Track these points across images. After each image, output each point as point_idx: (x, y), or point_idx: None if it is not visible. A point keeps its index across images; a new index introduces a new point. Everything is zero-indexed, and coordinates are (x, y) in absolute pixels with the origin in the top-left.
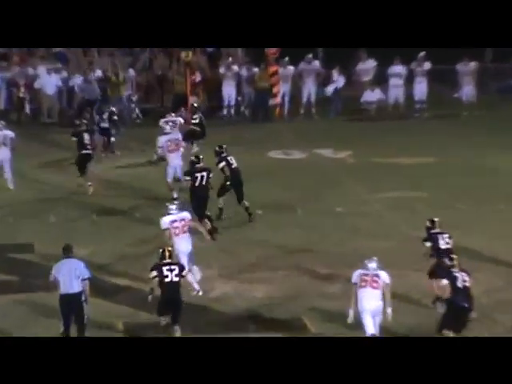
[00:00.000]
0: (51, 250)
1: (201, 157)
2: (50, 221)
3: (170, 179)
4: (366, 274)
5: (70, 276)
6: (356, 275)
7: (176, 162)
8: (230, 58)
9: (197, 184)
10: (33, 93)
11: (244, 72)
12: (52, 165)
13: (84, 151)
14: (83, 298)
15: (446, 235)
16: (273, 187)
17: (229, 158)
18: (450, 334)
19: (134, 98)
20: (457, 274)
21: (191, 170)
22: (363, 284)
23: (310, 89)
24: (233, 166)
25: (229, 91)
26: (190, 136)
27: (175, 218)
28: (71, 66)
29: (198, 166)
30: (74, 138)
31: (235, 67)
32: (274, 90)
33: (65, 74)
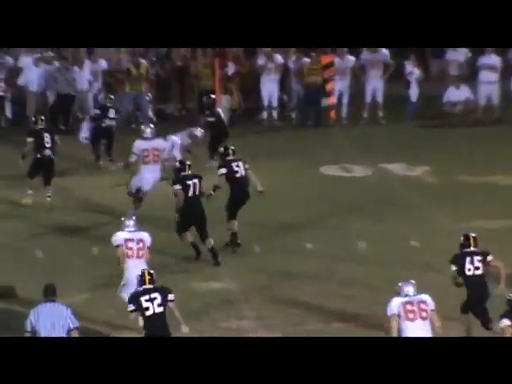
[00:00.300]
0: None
1: (188, 163)
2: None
3: (132, 191)
4: (410, 303)
5: (53, 324)
6: (396, 305)
7: (149, 176)
8: None
9: (190, 194)
10: (15, 90)
11: (291, 64)
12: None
13: (42, 155)
14: None
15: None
16: (326, 213)
17: (234, 164)
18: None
19: (148, 97)
20: None
21: (180, 178)
22: (411, 316)
23: (375, 85)
24: (238, 175)
25: (270, 88)
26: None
27: (131, 237)
28: (65, 54)
29: (185, 173)
30: (30, 139)
31: (279, 57)
32: (329, 86)
33: (57, 64)
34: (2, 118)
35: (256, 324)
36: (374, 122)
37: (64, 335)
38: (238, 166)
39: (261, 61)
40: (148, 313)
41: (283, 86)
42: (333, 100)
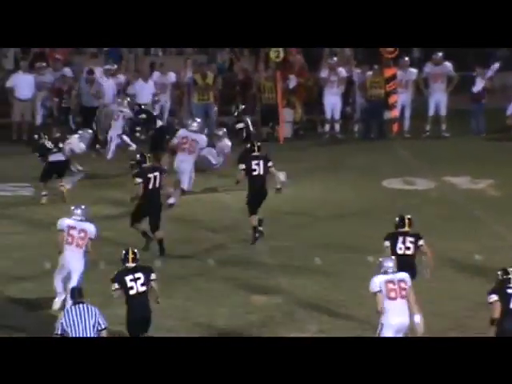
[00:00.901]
0: None
1: (148, 155)
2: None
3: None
4: (392, 281)
5: (84, 326)
6: (378, 283)
7: (184, 167)
8: (335, 58)
9: (150, 187)
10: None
11: (355, 76)
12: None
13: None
14: None
15: None
16: (389, 226)
17: (254, 162)
18: None
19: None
20: None
21: (141, 170)
22: (393, 295)
23: (438, 98)
24: (255, 173)
25: (333, 101)
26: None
27: (74, 225)
28: (126, 66)
29: (146, 165)
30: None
31: (342, 70)
32: (391, 99)
33: (122, 77)
34: (66, 129)
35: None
36: (436, 136)
37: (94, 335)
38: (257, 164)
39: (324, 74)
40: (132, 292)
41: (346, 98)
42: (395, 113)
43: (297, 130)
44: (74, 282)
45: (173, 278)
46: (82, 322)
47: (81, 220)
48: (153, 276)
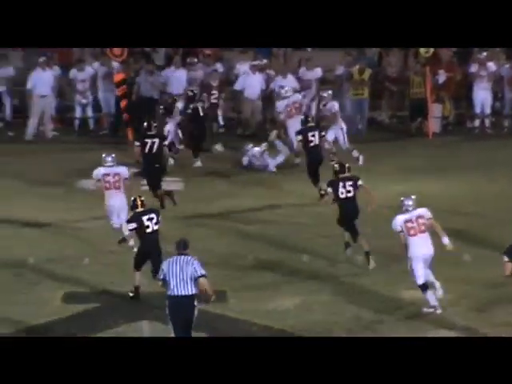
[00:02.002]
0: None
1: (154, 124)
2: None
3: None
4: (410, 220)
5: (182, 273)
6: (398, 223)
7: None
8: (484, 53)
9: (146, 151)
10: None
11: (504, 71)
12: None
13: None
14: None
15: None
16: None
17: (310, 134)
18: None
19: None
20: None
21: (142, 135)
22: (412, 232)
23: None
24: (311, 144)
25: (482, 96)
26: None
27: (108, 172)
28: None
29: (149, 132)
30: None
31: (492, 65)
32: None
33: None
34: (213, 125)
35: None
36: None
37: (192, 283)
38: (313, 135)
39: (473, 68)
40: (148, 230)
41: (496, 93)
42: None
43: (446, 125)
44: (122, 220)
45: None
46: (182, 272)
47: (112, 165)
48: (160, 217)
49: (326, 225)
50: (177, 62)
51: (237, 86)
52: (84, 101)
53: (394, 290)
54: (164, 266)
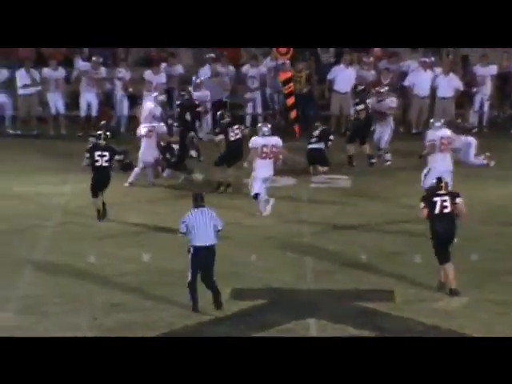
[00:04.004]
0: None
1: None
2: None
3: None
4: (266, 146)
5: (205, 225)
6: (256, 144)
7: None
8: None
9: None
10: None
11: None
12: None
13: None
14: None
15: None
16: None
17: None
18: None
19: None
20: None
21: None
22: (263, 156)
23: None
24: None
25: None
26: None
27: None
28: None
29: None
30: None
31: None
32: None
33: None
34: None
35: None
36: None
37: (214, 234)
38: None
39: None
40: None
41: None
42: None
43: None
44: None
45: None
46: (204, 223)
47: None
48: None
49: None
50: (346, 60)
51: (406, 83)
52: (252, 97)
53: None
54: (186, 218)
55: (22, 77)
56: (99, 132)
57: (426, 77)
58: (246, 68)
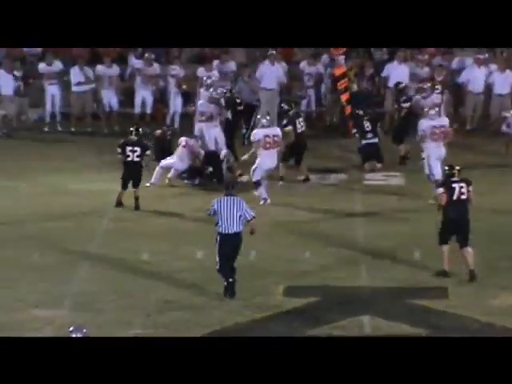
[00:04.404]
0: None
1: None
2: None
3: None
4: (268, 136)
5: (232, 213)
6: (259, 136)
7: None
8: None
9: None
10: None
11: None
12: None
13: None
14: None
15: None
16: None
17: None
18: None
19: None
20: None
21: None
22: (267, 146)
23: None
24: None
25: None
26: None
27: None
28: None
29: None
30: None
31: None
32: None
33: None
34: None
35: None
36: None
37: (240, 222)
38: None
39: None
40: (463, 197)
41: None
42: None
43: None
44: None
45: None
46: (230, 211)
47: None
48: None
49: None
50: (399, 57)
51: (460, 80)
52: (307, 94)
53: None
54: (214, 204)
55: (75, 74)
56: (131, 128)
57: (480, 73)
58: (302, 65)
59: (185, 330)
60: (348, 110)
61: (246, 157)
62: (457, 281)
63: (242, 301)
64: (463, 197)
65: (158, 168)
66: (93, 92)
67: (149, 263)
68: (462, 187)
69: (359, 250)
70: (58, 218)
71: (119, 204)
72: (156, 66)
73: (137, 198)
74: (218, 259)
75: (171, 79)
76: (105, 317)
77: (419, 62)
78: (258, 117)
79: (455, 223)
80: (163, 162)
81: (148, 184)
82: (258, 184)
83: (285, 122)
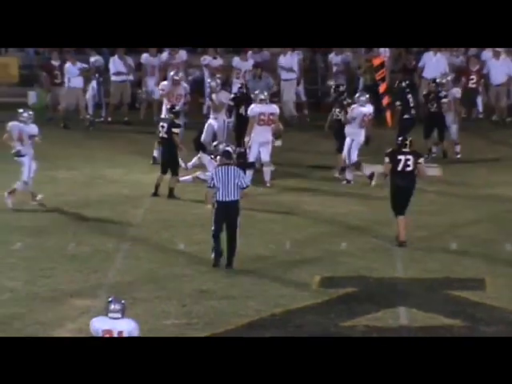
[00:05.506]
0: None
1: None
2: None
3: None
4: (263, 114)
5: (230, 183)
6: (255, 113)
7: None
8: None
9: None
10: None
11: None
12: None
13: None
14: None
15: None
16: None
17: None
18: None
19: None
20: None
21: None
22: (261, 123)
23: None
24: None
25: None
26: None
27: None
28: None
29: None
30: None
31: None
32: None
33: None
34: (473, 111)
35: None
36: None
37: (237, 190)
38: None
39: None
40: (408, 169)
41: None
42: None
43: None
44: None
45: None
46: (228, 179)
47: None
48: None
49: None
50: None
51: (484, 71)
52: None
53: None
54: (213, 173)
55: (114, 64)
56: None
57: (499, 65)
58: (331, 56)
59: (220, 320)
60: (386, 100)
61: (246, 139)
62: (492, 272)
63: (277, 291)
64: (408, 168)
65: (199, 156)
66: (131, 81)
67: (185, 253)
68: (408, 159)
69: (394, 240)
70: (95, 207)
71: (157, 187)
72: (182, 52)
73: (171, 189)
74: (213, 226)
75: (206, 69)
76: (141, 306)
77: (454, 52)
78: (256, 92)
79: (400, 192)
80: (206, 159)
81: (183, 165)
82: (252, 165)
83: (337, 107)
